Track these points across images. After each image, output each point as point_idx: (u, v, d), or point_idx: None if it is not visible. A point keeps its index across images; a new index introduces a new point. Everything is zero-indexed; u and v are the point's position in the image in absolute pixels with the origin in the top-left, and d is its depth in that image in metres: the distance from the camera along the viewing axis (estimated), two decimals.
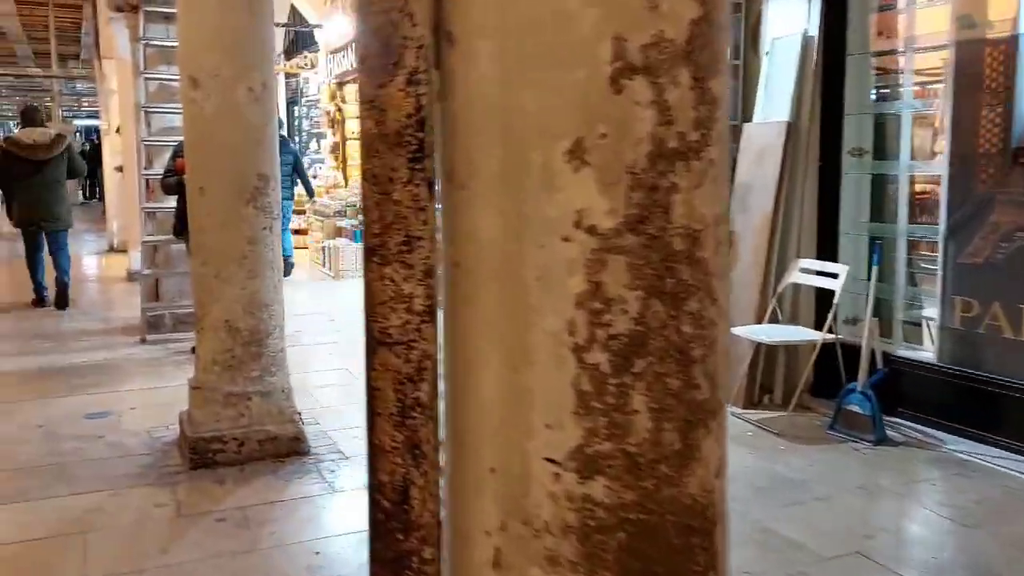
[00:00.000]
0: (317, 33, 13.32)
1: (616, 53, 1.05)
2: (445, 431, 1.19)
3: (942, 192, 4.61)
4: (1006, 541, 3.24)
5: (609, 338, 1.07)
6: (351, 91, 13.30)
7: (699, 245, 1.12)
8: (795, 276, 4.92)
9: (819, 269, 4.90)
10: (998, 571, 3.06)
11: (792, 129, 4.97)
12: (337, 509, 3.67)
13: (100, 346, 6.64)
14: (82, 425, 4.68)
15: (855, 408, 4.36)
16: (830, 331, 4.60)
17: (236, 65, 3.97)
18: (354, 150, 13.36)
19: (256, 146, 4.08)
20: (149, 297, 7.06)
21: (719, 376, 1.18)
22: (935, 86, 5.01)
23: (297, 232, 11.59)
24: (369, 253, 1.15)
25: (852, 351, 4.56)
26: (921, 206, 5.14)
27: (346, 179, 13.30)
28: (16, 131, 9.10)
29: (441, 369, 1.21)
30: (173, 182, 6.16)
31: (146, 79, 6.92)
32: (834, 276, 4.75)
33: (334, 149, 13.65)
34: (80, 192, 24.01)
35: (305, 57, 14.72)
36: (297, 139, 16.49)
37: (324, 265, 10.58)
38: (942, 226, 4.55)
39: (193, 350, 6.28)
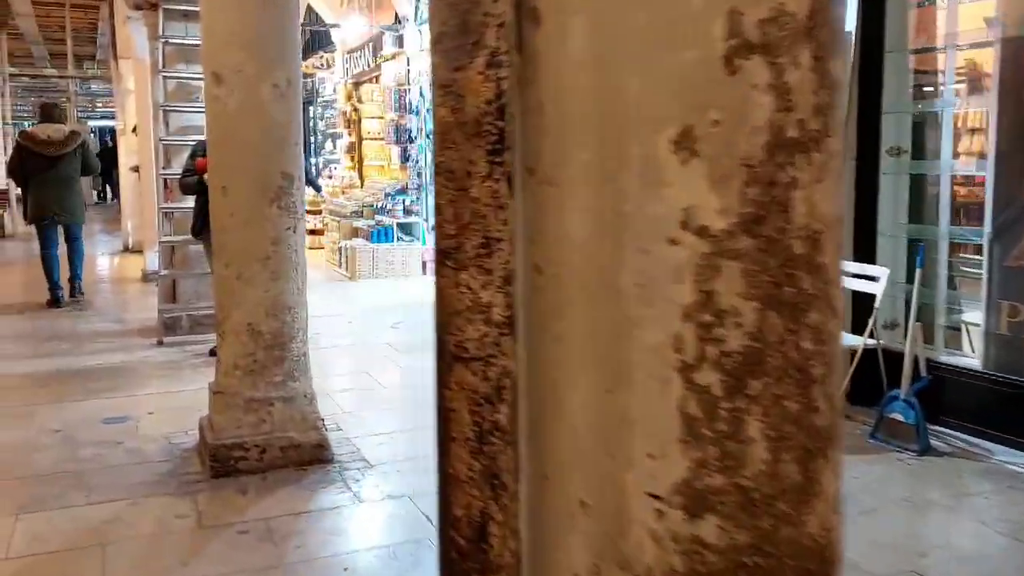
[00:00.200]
0: (333, 33, 13.23)
1: (731, 29, 0.91)
2: (526, 459, 1.06)
3: (987, 194, 4.45)
4: None
5: (721, 355, 0.93)
6: (367, 91, 13.21)
7: (819, 249, 0.97)
8: None
9: (858, 272, 4.74)
10: None
11: None
12: (365, 521, 3.55)
13: (116, 348, 6.54)
14: (100, 430, 4.57)
15: (898, 416, 4.20)
16: (871, 336, 4.44)
17: (260, 61, 3.85)
18: (370, 150, 13.26)
19: (280, 144, 3.96)
20: (166, 298, 6.96)
21: (836, 397, 1.04)
22: (978, 84, 4.85)
23: (312, 232, 11.49)
24: (442, 257, 1.02)
25: (891, 357, 4.41)
26: (962, 207, 4.98)
27: (362, 179, 13.20)
28: (32, 127, 9.15)
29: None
30: (192, 182, 6.05)
31: (165, 78, 6.82)
32: (874, 279, 4.59)
33: (350, 149, 13.55)
34: (95, 193, 24.05)
35: (321, 57, 14.64)
36: (312, 139, 16.41)
37: (340, 266, 10.48)
38: (987, 228, 4.39)
39: (211, 352, 6.22)
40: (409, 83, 11.01)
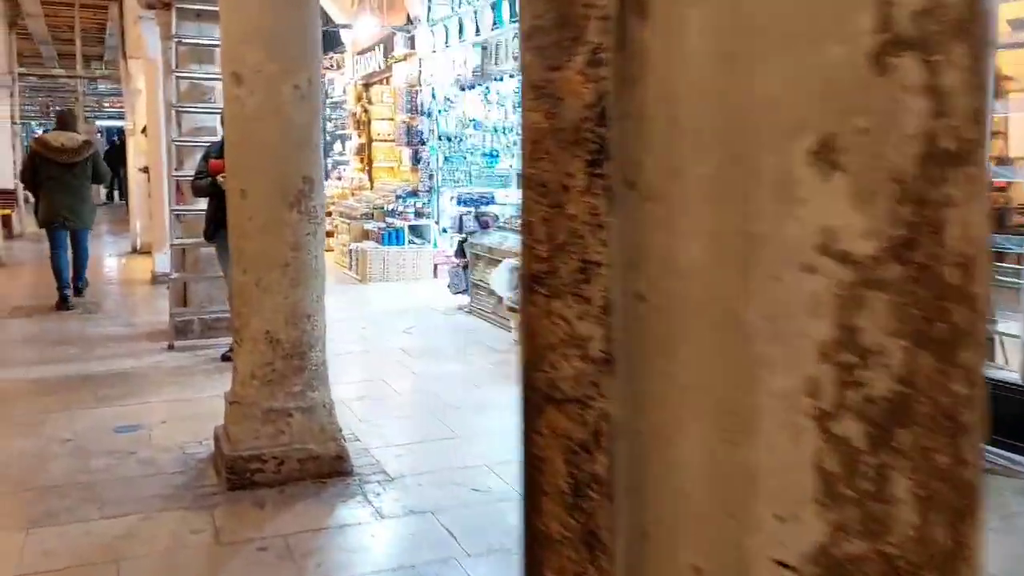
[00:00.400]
0: (344, 33, 13.11)
1: (881, 22, 0.78)
2: (625, 514, 0.93)
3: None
4: None
5: (864, 401, 0.80)
6: (377, 92, 13.10)
7: (972, 277, 0.85)
8: None
9: None
10: None
11: None
12: (387, 538, 3.42)
13: (126, 353, 6.42)
14: (112, 440, 4.45)
15: None
16: None
17: (282, 61, 3.73)
18: (380, 152, 13.15)
19: (301, 147, 3.84)
20: (177, 302, 6.84)
21: (981, 447, 0.91)
22: (1000, 88, 4.71)
23: None
24: (533, 282, 0.89)
25: None
26: (996, 214, 4.84)
27: (371, 181, 13.08)
28: (46, 133, 9.27)
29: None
30: (205, 184, 5.93)
31: (178, 78, 6.71)
32: None
33: (360, 151, 13.43)
34: (104, 193, 23.97)
35: (331, 58, 14.52)
36: (321, 140, 16.29)
37: (351, 268, 10.35)
38: None
39: (223, 357, 6.11)
40: (420, 84, 10.89)
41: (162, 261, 9.34)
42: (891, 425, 0.81)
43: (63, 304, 8.20)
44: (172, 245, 6.84)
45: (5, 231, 12.95)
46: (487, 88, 9.42)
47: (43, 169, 8.21)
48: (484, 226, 8.09)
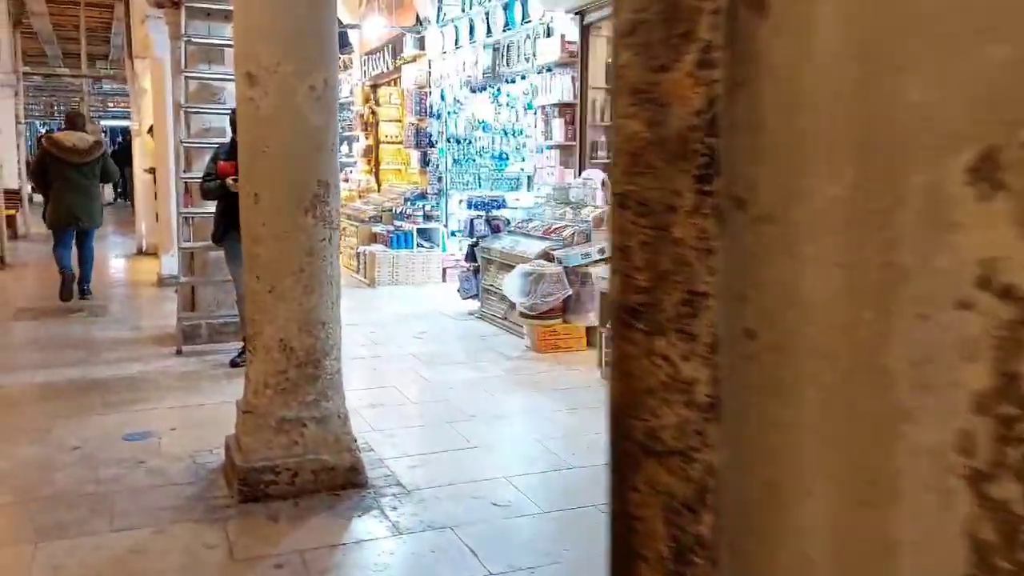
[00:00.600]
0: (351, 34, 13.01)
1: None
2: None
3: None
4: None
5: None
6: (385, 93, 13.00)
7: None
8: None
9: None
10: None
11: None
12: (405, 555, 3.30)
13: (133, 357, 6.32)
14: (120, 448, 4.34)
15: None
16: None
17: (298, 60, 3.62)
18: (387, 153, 13.05)
19: (317, 150, 3.73)
20: (185, 306, 6.73)
21: None
22: None
23: None
24: (630, 316, 0.78)
25: None
26: None
27: (379, 183, 12.99)
28: (57, 132, 9.31)
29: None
30: (214, 186, 5.82)
31: (187, 78, 6.60)
32: None
33: (367, 153, 13.33)
34: (114, 193, 23.94)
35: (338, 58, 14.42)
36: None
37: (358, 272, 10.24)
38: None
39: (232, 363, 6.01)
40: (430, 86, 10.79)
41: (168, 263, 9.26)
42: None
43: (65, 285, 8.31)
44: (181, 248, 6.73)
45: (10, 232, 12.86)
46: (498, 90, 9.32)
47: (54, 169, 8.26)
48: (495, 230, 7.97)
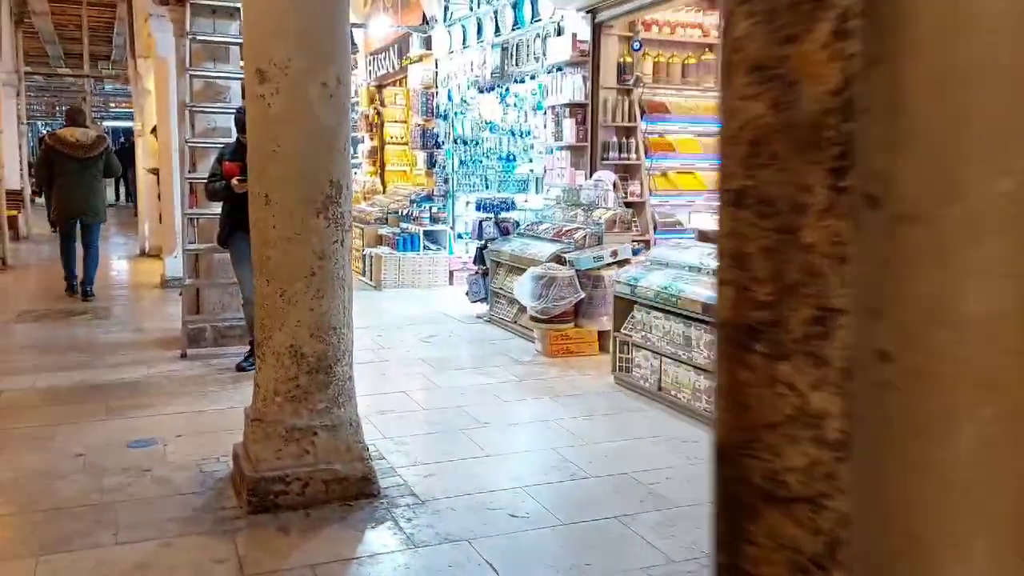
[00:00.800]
0: (356, 34, 12.90)
1: None
2: None
3: None
4: None
5: None
6: (390, 94, 12.90)
7: None
8: None
9: None
10: None
11: None
12: (422, 570, 3.17)
13: (138, 361, 6.20)
14: (125, 455, 4.22)
15: None
16: None
17: (310, 56, 3.50)
18: (392, 155, 12.94)
19: (329, 149, 3.62)
20: (190, 309, 6.62)
21: None
22: None
23: None
24: (746, 337, 0.66)
25: None
26: None
27: (384, 185, 12.88)
28: (59, 129, 9.31)
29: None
30: (219, 187, 5.72)
31: (192, 76, 6.49)
32: None
33: (372, 154, 13.22)
34: (115, 193, 23.87)
35: None
36: None
37: (364, 274, 10.13)
38: None
39: (238, 367, 5.89)
40: (437, 86, 10.68)
41: (172, 264, 9.15)
42: None
43: (71, 288, 8.66)
44: (185, 250, 6.61)
45: (12, 232, 12.75)
46: (506, 90, 9.20)
47: (57, 164, 8.36)
48: (504, 232, 7.86)
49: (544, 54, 8.20)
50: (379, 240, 10.48)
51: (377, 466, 3.94)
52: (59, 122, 22.30)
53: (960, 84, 0.62)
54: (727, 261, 0.68)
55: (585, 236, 6.80)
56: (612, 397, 5.44)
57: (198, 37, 6.46)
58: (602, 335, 6.53)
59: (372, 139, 13.20)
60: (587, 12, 7.71)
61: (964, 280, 0.63)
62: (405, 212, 10.32)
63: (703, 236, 5.94)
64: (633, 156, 7.93)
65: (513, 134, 9.53)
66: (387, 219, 10.57)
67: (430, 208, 10.15)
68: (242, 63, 6.14)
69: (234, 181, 5.50)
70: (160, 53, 9.33)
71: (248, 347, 5.93)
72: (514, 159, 9.73)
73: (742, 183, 0.66)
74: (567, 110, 7.91)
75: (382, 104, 13.04)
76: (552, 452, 4.37)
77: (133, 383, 5.61)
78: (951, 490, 0.64)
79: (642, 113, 8.02)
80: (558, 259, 6.68)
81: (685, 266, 5.41)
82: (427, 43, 10.79)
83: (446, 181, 10.24)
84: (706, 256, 5.34)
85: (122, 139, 26.42)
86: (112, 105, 29.76)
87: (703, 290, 4.95)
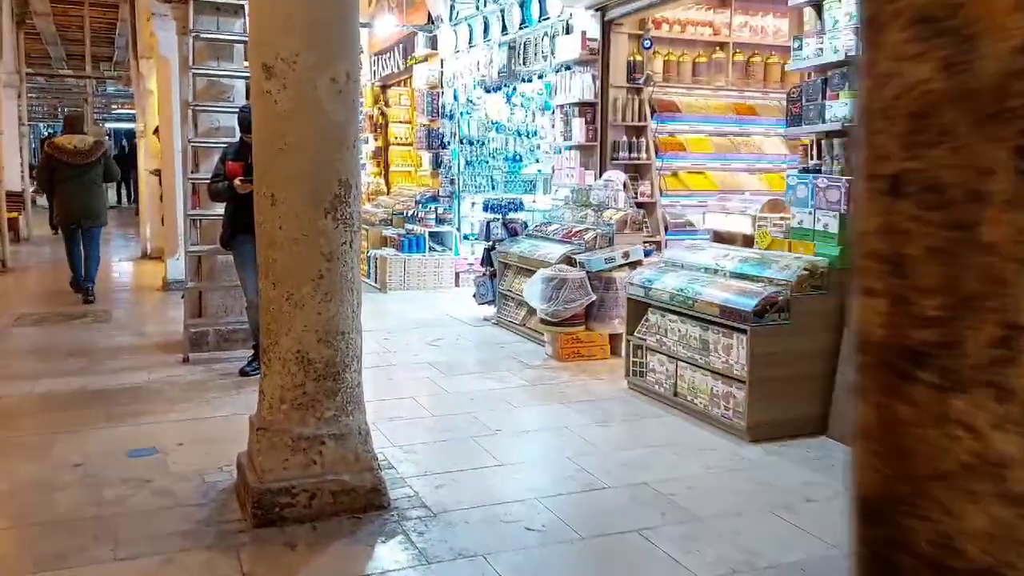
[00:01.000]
0: (360, 33, 12.76)
1: None
2: None
3: None
4: None
5: None
6: (395, 94, 12.77)
7: None
8: None
9: None
10: None
11: None
12: None
13: (138, 365, 6.06)
14: (125, 465, 4.08)
15: None
16: None
17: (319, 50, 3.36)
18: (397, 155, 12.82)
19: (338, 147, 3.47)
20: (192, 312, 6.47)
21: None
22: None
23: None
24: (906, 362, 0.52)
25: None
26: None
27: (388, 186, 12.75)
28: (57, 136, 9.56)
29: None
30: (222, 188, 5.58)
31: (195, 75, 6.35)
32: None
33: (376, 155, 13.09)
34: (116, 195, 23.77)
35: None
36: None
37: (369, 276, 9.99)
38: None
39: (242, 372, 5.75)
40: (442, 86, 10.54)
41: (174, 267, 9.02)
42: None
43: (77, 288, 8.86)
44: (188, 252, 6.47)
45: (12, 235, 12.62)
46: (513, 89, 9.07)
47: (58, 172, 8.59)
48: (513, 233, 7.71)
49: (552, 53, 8.06)
50: (384, 242, 10.35)
51: (386, 476, 3.79)
52: (61, 124, 22.24)
53: None
54: (877, 265, 0.53)
55: (595, 237, 6.65)
56: (626, 402, 5.30)
57: (201, 35, 6.33)
58: (613, 338, 6.39)
59: (376, 140, 13.07)
60: (596, 10, 7.57)
61: None
62: (410, 213, 10.18)
63: (718, 237, 5.79)
64: (643, 156, 7.78)
65: (519, 134, 9.40)
66: (392, 220, 10.44)
67: (436, 209, 10.01)
68: (246, 63, 6.03)
69: (237, 181, 5.37)
70: (162, 53, 9.20)
71: (252, 351, 5.79)
72: (520, 159, 9.59)
73: (901, 166, 0.52)
74: (576, 109, 7.77)
75: (386, 104, 12.91)
76: (567, 461, 4.22)
77: (134, 389, 5.47)
78: None
79: (652, 112, 7.87)
80: (569, 260, 6.54)
81: (701, 268, 5.26)
82: (432, 42, 10.65)
83: (452, 182, 10.09)
84: (722, 257, 5.20)
85: (123, 143, 26.33)
86: (114, 107, 29.67)
87: (721, 292, 4.81)
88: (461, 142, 10.08)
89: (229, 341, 6.41)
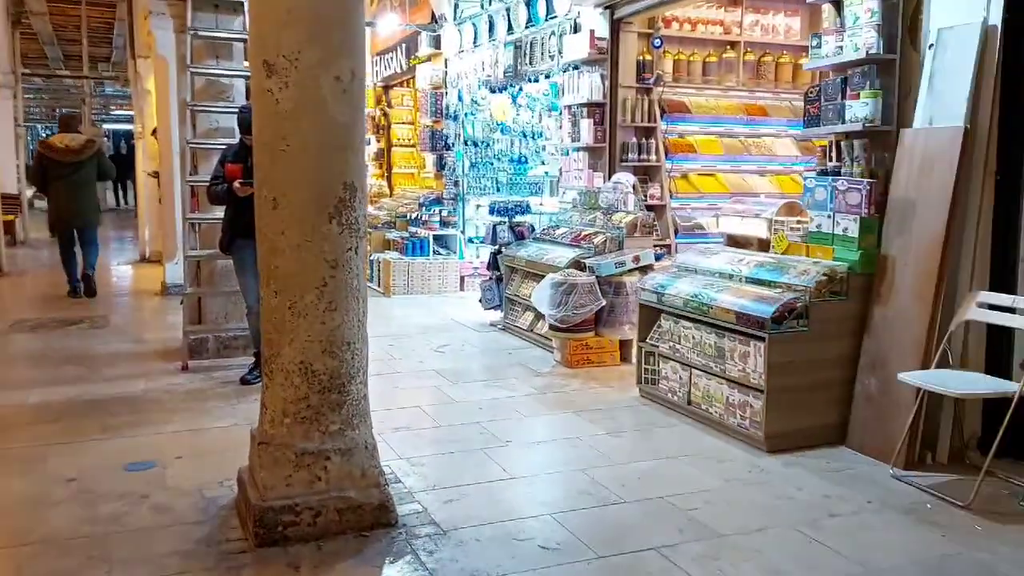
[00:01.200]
0: None
1: None
2: None
3: None
4: None
5: None
6: (397, 95, 12.63)
7: None
8: (971, 312, 4.08)
9: (994, 303, 4.06)
10: None
11: (968, 136, 4.14)
12: None
13: (136, 374, 5.90)
14: (122, 480, 3.92)
15: None
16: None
17: (322, 47, 3.20)
18: (399, 157, 12.67)
19: (343, 148, 3.31)
20: (191, 318, 6.31)
21: None
22: None
23: None
24: None
25: None
26: None
27: (391, 188, 12.60)
28: (50, 136, 9.44)
29: None
30: (221, 190, 5.43)
31: (193, 73, 6.20)
32: (1012, 311, 3.93)
33: (378, 156, 12.94)
34: (114, 198, 23.64)
35: None
36: None
37: (372, 280, 9.84)
38: None
39: (242, 381, 5.59)
40: (446, 86, 10.39)
41: (172, 271, 8.88)
42: None
43: (73, 291, 8.93)
44: (186, 256, 6.31)
45: (8, 238, 12.46)
46: (519, 89, 8.92)
47: (51, 171, 8.61)
48: (520, 237, 7.55)
49: (560, 52, 7.90)
50: (387, 245, 10.20)
51: (393, 490, 3.63)
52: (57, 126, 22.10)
53: None
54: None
55: (605, 240, 6.50)
56: (639, 411, 5.14)
57: (200, 33, 6.17)
58: (623, 344, 6.24)
59: (379, 141, 12.93)
60: (605, 8, 7.41)
61: None
62: (414, 216, 10.03)
63: (732, 241, 5.63)
64: (653, 157, 7.62)
65: (525, 135, 9.25)
66: (395, 223, 10.29)
67: (440, 211, 9.86)
68: (246, 62, 5.88)
69: (236, 184, 5.22)
70: (160, 52, 9.05)
71: (253, 359, 5.64)
72: (526, 161, 9.44)
73: None
74: (584, 110, 7.61)
75: (389, 105, 12.77)
76: (580, 473, 4.06)
77: (131, 398, 5.31)
78: None
79: (662, 113, 7.71)
80: (578, 265, 6.38)
81: (715, 272, 5.10)
82: (436, 42, 10.50)
83: (456, 184, 9.94)
84: (737, 262, 5.04)
85: (121, 142, 26.17)
86: (113, 108, 29.52)
87: (737, 299, 4.65)
88: (465, 143, 9.93)
89: (229, 348, 6.26)
